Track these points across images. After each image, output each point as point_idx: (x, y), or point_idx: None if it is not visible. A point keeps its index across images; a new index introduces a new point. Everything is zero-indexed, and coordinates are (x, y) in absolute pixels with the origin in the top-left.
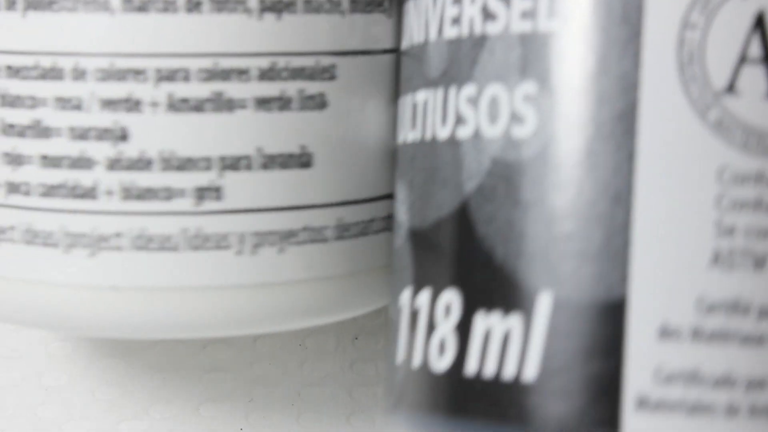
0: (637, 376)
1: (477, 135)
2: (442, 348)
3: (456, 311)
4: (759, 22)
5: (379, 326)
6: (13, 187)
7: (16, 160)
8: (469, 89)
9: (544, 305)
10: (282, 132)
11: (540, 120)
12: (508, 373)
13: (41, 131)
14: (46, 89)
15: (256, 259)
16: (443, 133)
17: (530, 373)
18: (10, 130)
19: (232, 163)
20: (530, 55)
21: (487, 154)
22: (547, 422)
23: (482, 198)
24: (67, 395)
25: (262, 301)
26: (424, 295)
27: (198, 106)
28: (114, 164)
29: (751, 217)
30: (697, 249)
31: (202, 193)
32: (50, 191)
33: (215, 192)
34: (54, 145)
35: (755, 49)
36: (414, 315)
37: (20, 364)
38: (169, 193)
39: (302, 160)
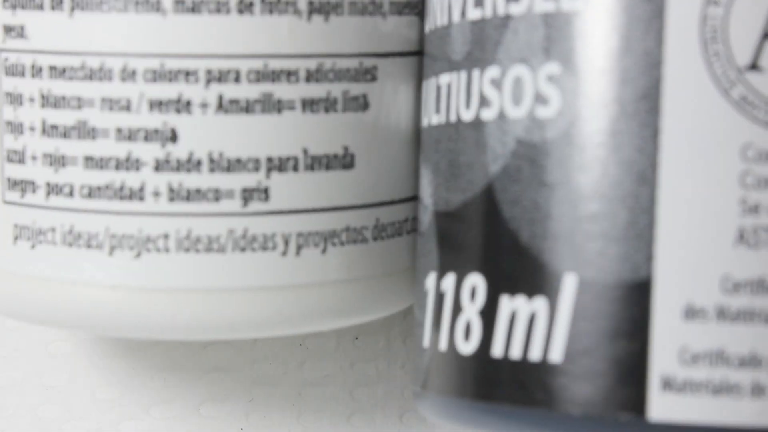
0: (663, 356)
1: (501, 116)
2: (468, 331)
3: (481, 294)
4: None
5: (380, 326)
6: (54, 189)
7: (58, 161)
8: (492, 71)
9: (569, 287)
10: (327, 133)
11: (564, 100)
12: (534, 355)
13: (87, 132)
14: (93, 90)
15: (300, 259)
16: (467, 116)
17: (556, 355)
18: (53, 131)
19: (279, 164)
20: (554, 35)
21: (512, 135)
22: (572, 403)
23: (507, 179)
24: (67, 395)
25: (306, 302)
26: (450, 279)
27: (247, 107)
28: (162, 165)
29: None
30: (722, 227)
31: (249, 194)
32: (95, 192)
33: (262, 193)
34: (100, 146)
35: None
36: (439, 299)
37: (20, 364)
38: (217, 194)
39: (345, 161)
